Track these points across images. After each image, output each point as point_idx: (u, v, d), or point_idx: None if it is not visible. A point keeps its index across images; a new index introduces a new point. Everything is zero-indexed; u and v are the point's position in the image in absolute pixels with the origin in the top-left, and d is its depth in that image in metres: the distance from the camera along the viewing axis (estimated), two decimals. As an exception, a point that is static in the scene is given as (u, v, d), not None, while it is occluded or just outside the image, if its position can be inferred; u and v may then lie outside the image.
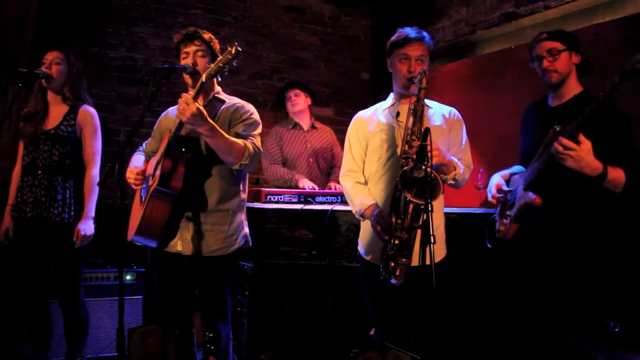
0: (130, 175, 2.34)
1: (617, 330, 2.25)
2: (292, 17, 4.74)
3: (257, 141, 2.39)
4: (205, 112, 2.13)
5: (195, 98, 2.13)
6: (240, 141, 2.28)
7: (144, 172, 2.34)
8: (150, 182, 2.33)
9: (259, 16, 4.58)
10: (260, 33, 4.60)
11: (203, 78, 2.16)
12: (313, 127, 3.97)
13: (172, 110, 2.58)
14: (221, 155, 2.27)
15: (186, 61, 2.37)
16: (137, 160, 2.53)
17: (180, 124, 2.21)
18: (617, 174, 2.06)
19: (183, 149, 2.29)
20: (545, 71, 2.27)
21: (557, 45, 2.25)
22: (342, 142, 2.55)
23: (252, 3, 4.55)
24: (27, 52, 3.50)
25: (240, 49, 2.10)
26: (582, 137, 2.01)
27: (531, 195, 2.22)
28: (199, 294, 2.45)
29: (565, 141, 2.01)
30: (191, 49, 2.38)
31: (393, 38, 2.36)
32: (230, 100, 2.47)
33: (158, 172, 2.26)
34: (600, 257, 2.22)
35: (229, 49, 2.10)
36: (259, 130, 2.44)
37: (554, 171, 2.14)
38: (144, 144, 2.65)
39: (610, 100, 1.94)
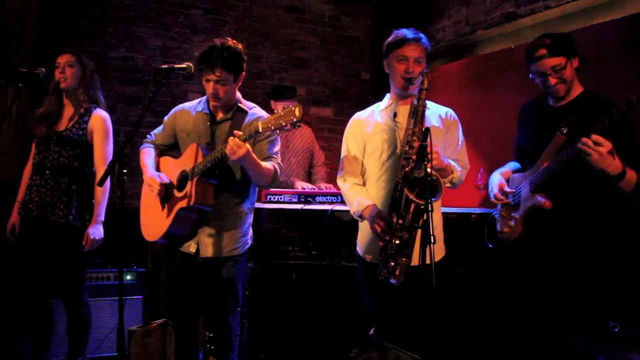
0: (154, 185, 2.36)
1: (617, 330, 2.25)
2: (292, 17, 4.74)
3: (279, 159, 2.46)
4: (252, 151, 2.18)
5: (245, 140, 2.13)
6: (270, 166, 2.35)
7: (168, 184, 2.38)
8: (178, 195, 2.36)
9: (259, 16, 4.59)
10: (260, 33, 4.60)
11: (259, 129, 2.10)
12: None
13: (189, 109, 2.56)
14: (253, 179, 2.37)
15: (207, 85, 2.36)
16: (149, 155, 2.53)
17: (223, 156, 2.20)
18: (632, 174, 2.08)
19: (217, 171, 2.33)
20: (553, 87, 2.24)
21: (560, 60, 2.20)
22: (340, 142, 2.55)
23: (252, 3, 4.55)
24: (27, 52, 3.50)
25: (303, 113, 2.03)
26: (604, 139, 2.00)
27: (540, 198, 2.22)
28: (210, 292, 2.46)
29: (596, 137, 1.99)
30: (212, 77, 2.34)
31: (390, 39, 2.35)
32: (250, 109, 2.48)
33: (191, 190, 2.29)
34: (604, 259, 2.22)
35: (292, 109, 2.02)
36: (279, 146, 2.50)
37: (561, 174, 2.14)
38: (152, 135, 2.63)
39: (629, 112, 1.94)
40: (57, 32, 3.70)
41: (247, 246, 2.52)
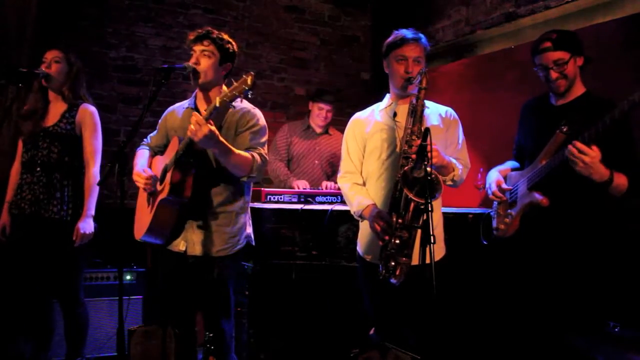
0: (140, 179, 2.35)
1: (617, 330, 2.25)
2: (292, 17, 4.74)
3: (264, 150, 2.40)
4: (218, 133, 2.13)
5: (207, 119, 2.11)
6: (248, 155, 2.30)
7: (152, 177, 2.37)
8: (159, 187, 2.35)
9: (259, 16, 4.59)
10: (260, 33, 4.60)
11: (217, 103, 2.12)
12: (326, 132, 4.00)
13: (178, 107, 2.58)
14: (229, 169, 2.30)
15: (191, 60, 2.37)
16: (142, 156, 2.54)
17: (191, 141, 2.19)
18: (621, 181, 2.08)
19: (192, 160, 2.31)
20: (554, 81, 2.25)
21: (564, 55, 2.21)
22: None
23: (252, 3, 4.55)
24: (27, 52, 3.50)
25: (255, 81, 2.06)
26: (594, 147, 2.01)
27: (538, 196, 2.22)
28: (202, 293, 2.46)
29: (580, 145, 2.01)
30: (198, 48, 2.37)
31: (389, 39, 2.36)
32: (238, 104, 2.45)
33: (167, 181, 2.28)
34: (602, 258, 2.22)
35: (245, 77, 2.05)
36: (266, 137, 2.45)
37: (560, 173, 2.15)
38: (148, 137, 2.65)
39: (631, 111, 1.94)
40: (57, 32, 3.70)
41: (238, 247, 2.47)
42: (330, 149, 3.97)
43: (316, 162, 3.92)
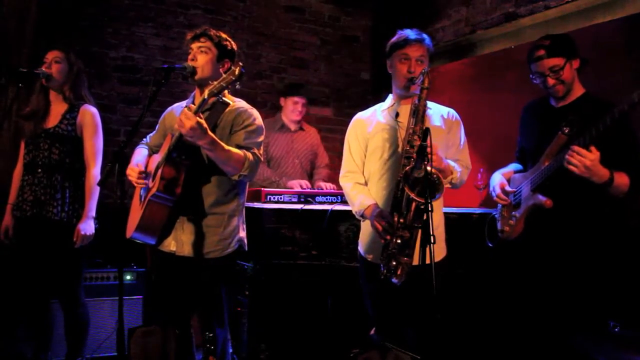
0: (132, 173, 2.33)
1: (617, 330, 2.25)
2: (292, 17, 4.74)
3: (258, 150, 2.38)
4: (206, 125, 2.12)
5: (196, 112, 2.11)
6: (240, 152, 2.27)
7: (144, 172, 2.35)
8: (151, 184, 2.34)
9: (258, 16, 4.58)
10: (260, 33, 4.60)
11: (205, 95, 2.13)
12: (301, 128, 3.97)
13: (177, 107, 2.58)
14: (220, 166, 2.28)
15: (189, 57, 2.38)
16: (140, 154, 2.53)
17: (181, 135, 2.19)
18: (622, 180, 2.08)
19: (183, 156, 2.29)
20: (551, 87, 2.25)
21: (559, 61, 2.21)
22: (342, 142, 2.55)
23: (252, 3, 4.55)
24: (27, 52, 3.50)
25: (244, 71, 2.08)
26: (592, 148, 2.01)
27: (541, 197, 2.22)
28: (193, 295, 2.44)
29: (579, 149, 2.02)
30: (195, 45, 2.38)
31: (393, 39, 2.36)
32: (235, 103, 2.44)
33: (158, 177, 2.26)
34: (604, 259, 2.22)
35: (233, 69, 2.09)
36: (262, 137, 2.43)
37: (562, 174, 2.15)
38: (147, 137, 2.64)
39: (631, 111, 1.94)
40: (57, 32, 3.70)
41: (228, 250, 2.42)
42: (306, 146, 3.93)
43: (296, 161, 3.87)
